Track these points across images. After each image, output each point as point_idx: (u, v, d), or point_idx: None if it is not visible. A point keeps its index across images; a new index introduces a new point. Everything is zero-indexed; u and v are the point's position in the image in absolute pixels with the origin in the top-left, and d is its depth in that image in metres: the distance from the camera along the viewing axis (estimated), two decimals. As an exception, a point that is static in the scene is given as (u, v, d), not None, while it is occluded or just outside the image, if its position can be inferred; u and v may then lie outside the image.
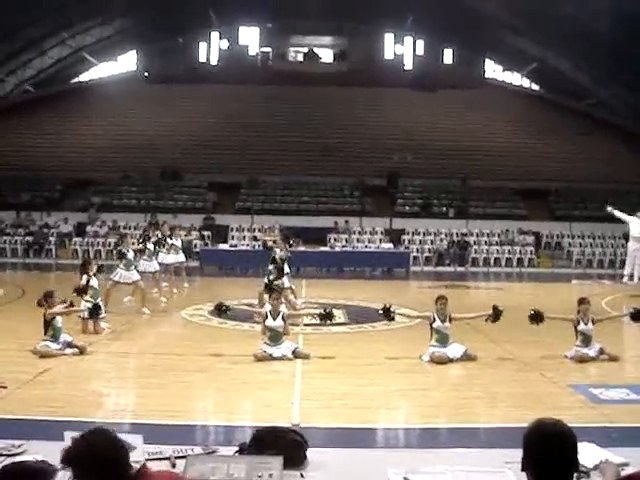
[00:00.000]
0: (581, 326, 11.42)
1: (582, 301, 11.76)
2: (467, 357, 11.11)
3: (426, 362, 11.00)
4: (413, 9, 41.31)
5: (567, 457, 3.39)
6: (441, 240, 31.92)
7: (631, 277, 24.91)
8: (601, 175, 36.42)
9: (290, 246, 17.59)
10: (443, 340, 11.26)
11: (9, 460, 4.62)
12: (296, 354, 11.15)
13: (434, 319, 11.42)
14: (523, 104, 43.75)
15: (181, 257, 20.93)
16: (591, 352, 11.20)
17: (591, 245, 32.36)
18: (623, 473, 4.18)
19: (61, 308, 11.60)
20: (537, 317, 11.60)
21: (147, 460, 4.56)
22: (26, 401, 8.26)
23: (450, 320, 11.45)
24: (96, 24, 42.19)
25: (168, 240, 20.02)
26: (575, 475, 3.51)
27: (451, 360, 10.99)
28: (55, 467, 4.18)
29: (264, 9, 42.48)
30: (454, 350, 11.16)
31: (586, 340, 11.34)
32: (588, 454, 4.43)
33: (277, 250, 16.59)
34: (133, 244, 18.30)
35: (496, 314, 11.65)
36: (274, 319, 11.42)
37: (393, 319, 12.18)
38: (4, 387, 8.66)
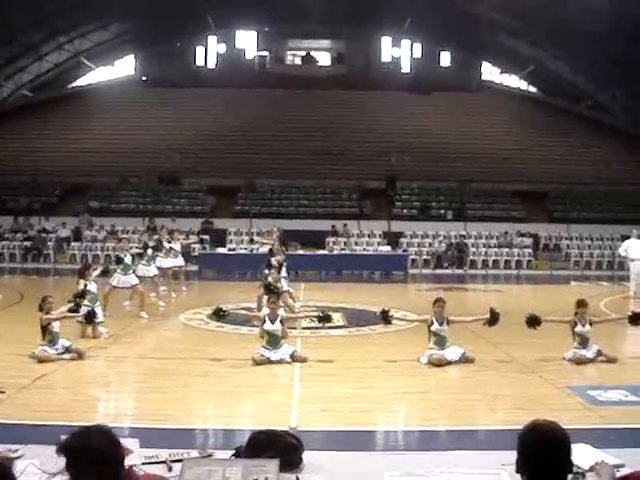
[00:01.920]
0: (578, 328, 11.42)
1: (580, 303, 11.76)
2: (465, 359, 11.11)
3: (424, 364, 11.00)
4: (410, 12, 41.36)
5: (561, 458, 3.39)
6: (439, 243, 31.92)
7: None
8: (599, 177, 36.50)
9: (286, 249, 17.58)
10: (441, 342, 11.26)
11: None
12: (294, 357, 11.15)
13: (432, 322, 11.42)
14: (521, 107, 43.76)
15: (179, 261, 20.93)
16: (589, 354, 11.20)
17: (589, 247, 32.38)
18: (618, 474, 4.19)
19: (57, 313, 11.60)
20: (534, 321, 11.61)
21: (143, 464, 4.57)
22: (24, 406, 8.25)
23: (448, 323, 11.45)
24: (94, 29, 42.26)
25: (166, 244, 20.02)
26: (570, 477, 3.51)
27: (449, 362, 10.98)
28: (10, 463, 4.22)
29: (261, 13, 42.53)
30: (452, 352, 11.16)
31: (584, 342, 11.34)
32: (584, 455, 4.43)
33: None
34: (131, 248, 18.29)
35: (493, 317, 11.64)
36: (272, 323, 11.42)
37: (391, 322, 12.19)
38: (2, 392, 8.65)
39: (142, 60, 48.38)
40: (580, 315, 11.53)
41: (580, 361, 11.04)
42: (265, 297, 13.50)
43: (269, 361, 10.93)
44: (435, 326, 11.36)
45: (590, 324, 11.52)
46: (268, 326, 11.38)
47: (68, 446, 3.37)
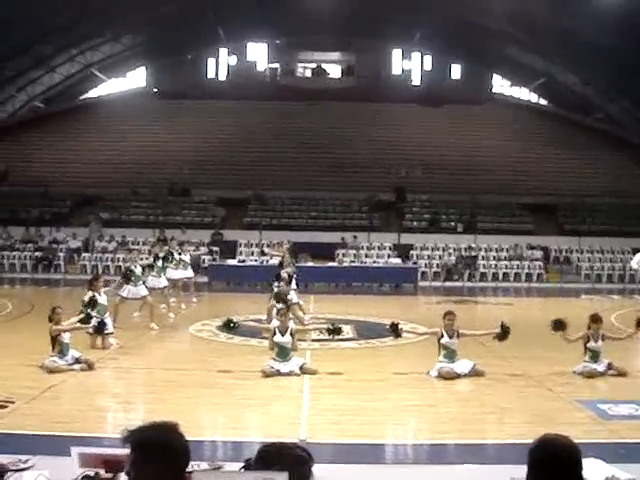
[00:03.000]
0: (591, 344, 11.37)
1: (594, 319, 11.66)
2: (475, 372, 11.07)
3: (434, 377, 10.97)
4: (421, 25, 41.45)
5: (572, 473, 3.37)
6: (449, 255, 31.85)
7: None
8: (609, 189, 36.39)
9: (296, 261, 17.56)
10: (451, 356, 11.23)
11: (16, 475, 4.63)
12: (303, 370, 11.14)
13: (442, 335, 11.38)
14: (531, 119, 43.73)
15: (189, 272, 20.95)
16: (600, 367, 11.15)
17: (600, 260, 32.23)
18: (630, 489, 4.17)
19: (66, 324, 11.62)
20: (560, 325, 11.49)
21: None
22: (33, 416, 8.28)
23: (458, 336, 11.42)
24: (105, 41, 42.49)
25: (177, 256, 20.05)
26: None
27: (459, 375, 10.95)
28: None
29: (272, 25, 42.70)
30: (462, 366, 11.12)
31: (595, 356, 11.30)
32: (595, 470, 4.41)
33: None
34: (141, 259, 18.34)
35: (504, 332, 11.59)
36: (282, 335, 11.41)
37: (400, 335, 12.14)
38: (12, 402, 8.67)
39: (153, 72, 48.59)
40: (594, 330, 11.48)
41: (591, 374, 11.00)
42: (275, 309, 13.47)
43: (279, 373, 10.92)
44: (445, 339, 11.32)
45: (603, 339, 11.47)
46: (278, 338, 11.38)
47: (142, 439, 3.17)
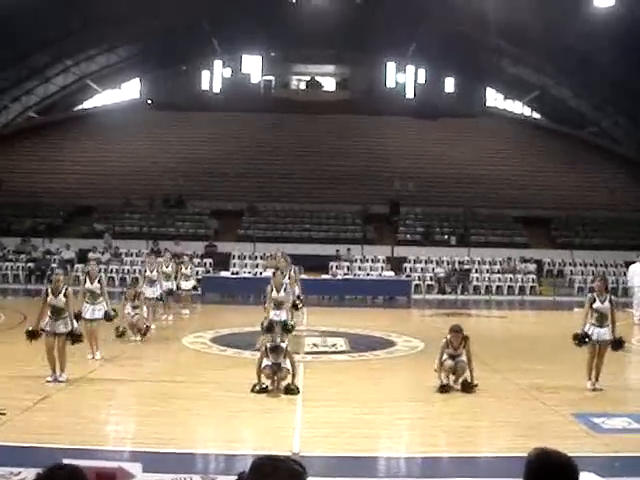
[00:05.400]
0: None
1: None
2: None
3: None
4: (415, 38, 41.62)
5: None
6: (439, 266, 31.80)
7: None
8: (602, 203, 36.51)
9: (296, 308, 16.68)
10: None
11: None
12: (287, 390, 10.57)
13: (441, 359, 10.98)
14: (524, 132, 43.90)
15: (190, 284, 21.23)
16: None
17: (593, 273, 32.22)
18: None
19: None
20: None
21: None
22: (26, 428, 8.23)
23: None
24: (100, 52, 42.58)
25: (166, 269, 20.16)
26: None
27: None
28: None
29: (267, 38, 42.81)
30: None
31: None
32: (588, 484, 4.41)
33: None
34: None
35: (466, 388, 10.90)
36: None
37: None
38: (3, 414, 8.62)
39: (148, 83, 48.68)
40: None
41: None
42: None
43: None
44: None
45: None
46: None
47: None
